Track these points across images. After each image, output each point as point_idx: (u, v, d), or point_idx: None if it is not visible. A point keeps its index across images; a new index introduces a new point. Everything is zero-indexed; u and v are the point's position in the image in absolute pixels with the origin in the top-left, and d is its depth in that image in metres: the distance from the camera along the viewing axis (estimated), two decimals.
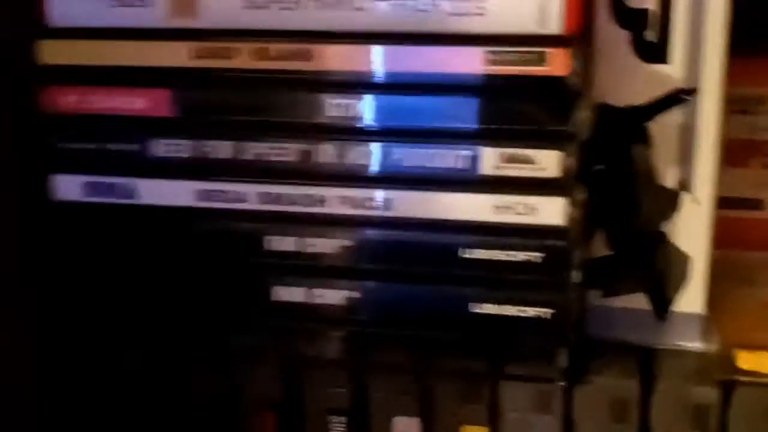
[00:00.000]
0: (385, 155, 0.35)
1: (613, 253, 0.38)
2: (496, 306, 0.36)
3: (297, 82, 0.35)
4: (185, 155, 0.37)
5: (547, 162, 0.34)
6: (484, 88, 0.34)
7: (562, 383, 0.37)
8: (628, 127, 0.37)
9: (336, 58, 0.35)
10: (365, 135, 0.35)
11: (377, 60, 0.35)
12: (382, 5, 0.35)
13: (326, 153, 0.36)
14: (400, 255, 0.36)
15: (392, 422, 0.39)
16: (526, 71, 0.33)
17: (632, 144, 0.37)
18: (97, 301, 0.39)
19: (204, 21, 0.36)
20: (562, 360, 0.36)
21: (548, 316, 0.35)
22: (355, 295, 0.37)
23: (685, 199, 0.37)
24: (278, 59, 0.35)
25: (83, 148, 0.38)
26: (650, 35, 0.36)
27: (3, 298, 0.39)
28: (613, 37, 0.37)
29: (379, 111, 0.35)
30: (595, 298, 0.38)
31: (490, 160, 0.35)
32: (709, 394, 0.36)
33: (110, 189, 0.38)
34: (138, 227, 0.38)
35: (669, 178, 0.37)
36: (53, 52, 0.37)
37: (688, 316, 0.38)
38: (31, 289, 0.40)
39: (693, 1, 0.36)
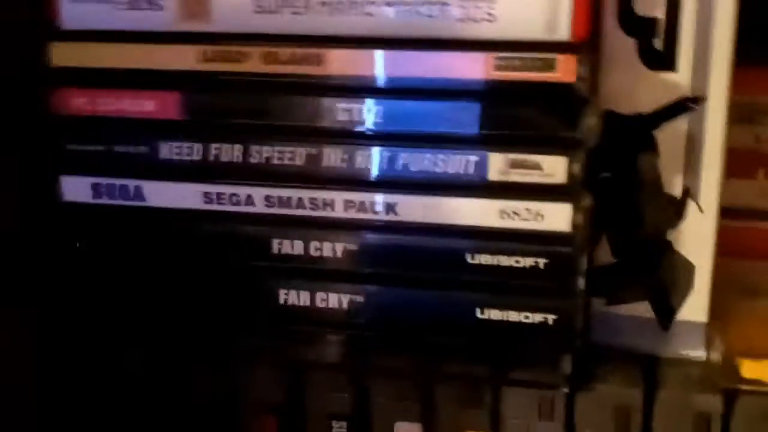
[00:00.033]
0: (393, 160, 0.36)
1: (617, 260, 0.38)
2: (501, 311, 0.36)
3: (306, 86, 0.36)
4: (193, 158, 0.37)
5: (554, 168, 0.34)
6: (492, 94, 0.34)
7: (565, 390, 0.37)
8: (634, 134, 0.37)
9: (345, 63, 0.35)
10: (373, 139, 0.36)
11: (386, 65, 0.35)
12: (392, 10, 0.35)
13: (334, 157, 0.36)
14: (406, 259, 0.36)
15: (394, 427, 0.39)
16: (533, 77, 0.34)
17: (638, 152, 0.37)
18: (102, 302, 0.39)
19: (214, 25, 0.36)
20: (566, 366, 0.36)
21: (552, 322, 0.35)
22: (360, 299, 0.37)
23: (691, 208, 0.37)
24: (288, 63, 0.36)
25: (92, 150, 0.38)
26: (657, 43, 0.36)
27: (3, 299, 0.39)
28: (620, 45, 0.37)
29: (387, 116, 0.35)
30: (599, 305, 0.38)
31: (497, 165, 0.35)
32: (712, 402, 0.36)
33: (118, 191, 0.38)
34: (144, 229, 0.38)
35: (674, 186, 0.37)
36: (63, 55, 0.38)
37: (692, 325, 0.38)
38: (32, 290, 0.40)
39: (700, 10, 0.36)
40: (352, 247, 0.37)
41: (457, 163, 0.35)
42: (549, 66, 0.34)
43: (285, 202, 0.37)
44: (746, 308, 0.40)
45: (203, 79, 0.36)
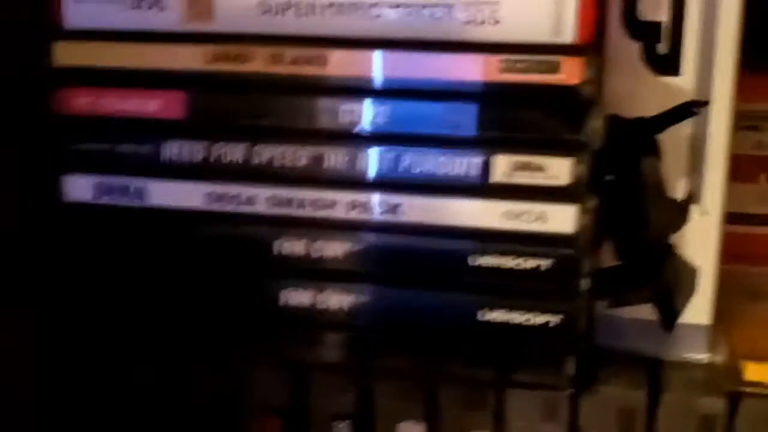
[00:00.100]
0: (396, 161, 0.36)
1: (621, 263, 0.38)
2: (505, 313, 0.36)
3: (311, 87, 0.36)
4: (197, 158, 0.37)
5: (559, 170, 0.34)
6: (497, 96, 0.34)
7: (569, 391, 0.37)
8: (638, 138, 0.37)
9: (350, 65, 0.35)
10: (377, 141, 0.36)
11: (390, 67, 0.35)
12: (397, 12, 0.35)
13: (337, 158, 0.36)
14: (410, 261, 0.36)
15: (397, 428, 0.39)
16: (538, 79, 0.34)
17: (642, 156, 0.37)
18: (103, 301, 0.39)
19: (219, 25, 0.36)
20: (570, 368, 0.36)
21: (557, 324, 0.35)
22: (363, 300, 0.37)
23: (694, 211, 0.38)
24: (292, 64, 0.36)
25: (95, 150, 0.38)
26: (661, 47, 0.37)
27: (3, 299, 0.39)
28: (624, 49, 0.37)
29: (391, 117, 0.35)
30: (603, 308, 0.38)
31: (502, 167, 0.35)
32: (715, 405, 0.36)
33: (121, 190, 0.38)
34: (146, 228, 0.38)
35: (678, 189, 0.37)
36: (68, 54, 0.38)
37: (696, 328, 0.38)
38: (32, 290, 0.40)
39: (705, 14, 0.36)
40: (356, 248, 0.37)
41: (461, 164, 0.35)
42: (554, 68, 0.34)
43: (289, 203, 0.37)
44: (749, 311, 0.40)
45: (207, 79, 0.36)
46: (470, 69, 0.34)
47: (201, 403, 0.40)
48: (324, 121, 0.36)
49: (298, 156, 0.36)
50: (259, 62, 0.36)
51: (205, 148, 0.37)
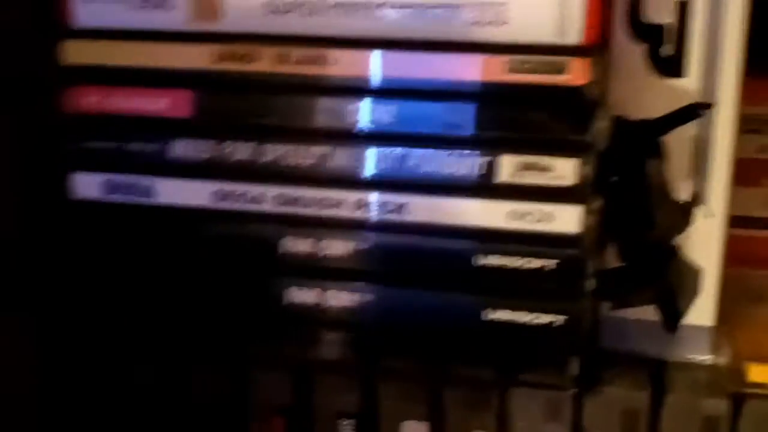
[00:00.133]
0: (403, 160, 0.36)
1: (624, 264, 0.38)
2: (509, 313, 0.36)
3: (318, 87, 0.36)
4: (204, 156, 0.37)
5: (564, 170, 0.34)
6: (503, 96, 0.34)
7: (573, 392, 0.37)
8: (642, 140, 0.37)
9: (356, 65, 0.35)
10: (383, 140, 0.36)
11: (397, 67, 0.35)
12: (404, 13, 0.35)
13: (343, 157, 0.36)
14: (414, 260, 0.36)
15: (401, 427, 0.39)
16: (545, 80, 0.34)
17: (646, 157, 0.37)
18: (109, 299, 0.39)
19: (226, 25, 0.37)
20: (574, 368, 0.36)
21: (560, 324, 0.35)
22: (367, 299, 0.37)
23: (699, 213, 0.38)
24: (299, 64, 0.36)
25: (103, 147, 0.38)
26: (666, 49, 0.37)
27: (4, 300, 0.39)
28: (629, 51, 0.37)
29: (398, 117, 0.35)
30: (607, 309, 0.38)
31: (507, 167, 0.35)
32: (719, 406, 0.36)
33: (128, 188, 0.38)
34: (153, 225, 0.38)
35: (683, 191, 0.38)
36: (76, 53, 0.38)
37: (699, 329, 0.38)
38: (32, 296, 0.40)
39: (710, 16, 0.36)
40: (361, 247, 0.37)
41: (466, 164, 0.35)
42: (560, 69, 0.34)
43: (295, 201, 0.37)
44: (753, 314, 0.40)
45: (214, 78, 0.37)
46: (476, 69, 0.34)
47: (205, 402, 0.40)
48: (331, 121, 0.36)
49: (305, 155, 0.36)
50: (265, 62, 0.36)
51: (212, 147, 0.37)
